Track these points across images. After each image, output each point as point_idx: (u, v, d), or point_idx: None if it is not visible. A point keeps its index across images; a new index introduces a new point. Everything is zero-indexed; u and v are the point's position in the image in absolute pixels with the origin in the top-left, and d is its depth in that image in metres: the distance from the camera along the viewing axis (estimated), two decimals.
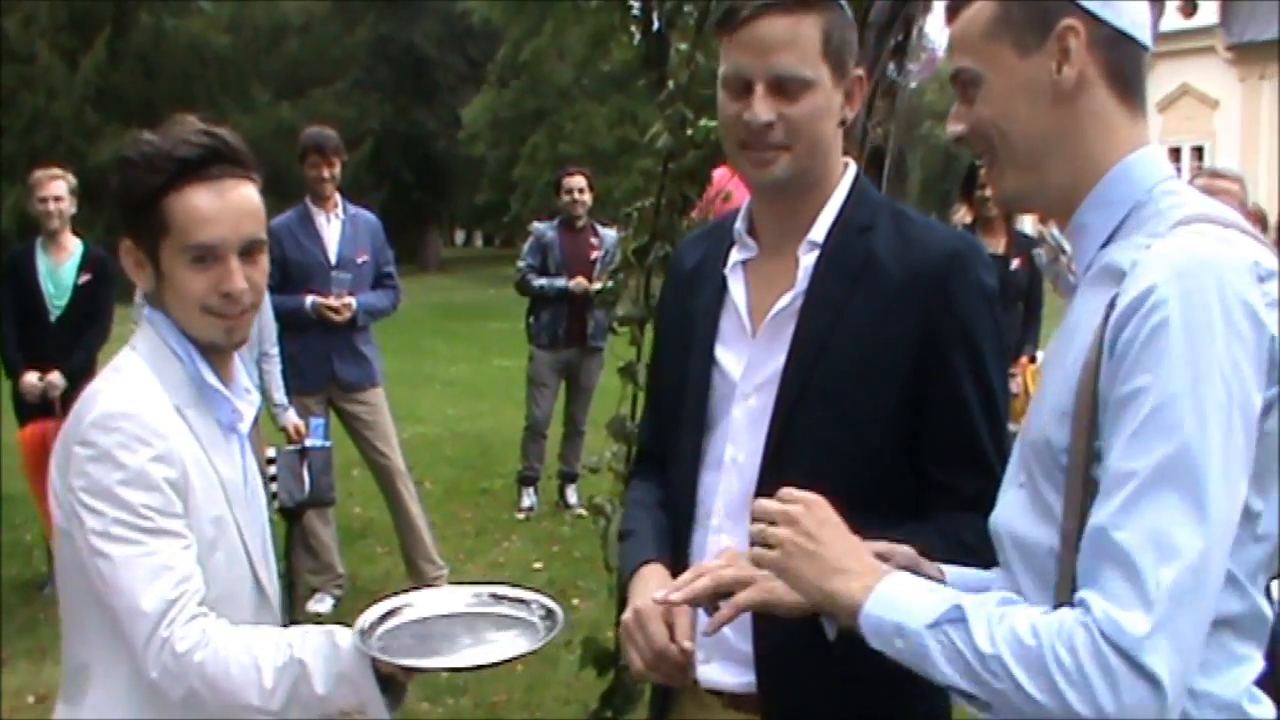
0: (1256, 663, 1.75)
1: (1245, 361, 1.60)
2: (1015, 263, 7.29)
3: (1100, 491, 1.64)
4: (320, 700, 2.24)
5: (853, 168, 2.43)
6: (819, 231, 2.35)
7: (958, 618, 1.68)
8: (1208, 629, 1.60)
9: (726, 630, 2.26)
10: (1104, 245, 1.81)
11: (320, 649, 2.25)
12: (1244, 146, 34.40)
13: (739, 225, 2.45)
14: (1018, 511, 1.86)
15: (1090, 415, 1.68)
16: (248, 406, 2.50)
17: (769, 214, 2.42)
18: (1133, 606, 1.55)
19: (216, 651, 2.21)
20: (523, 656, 2.30)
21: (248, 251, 2.35)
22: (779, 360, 2.32)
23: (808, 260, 2.34)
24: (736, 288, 2.42)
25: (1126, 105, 1.84)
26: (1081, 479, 1.69)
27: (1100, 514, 1.62)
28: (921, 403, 2.29)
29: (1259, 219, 8.36)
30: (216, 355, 2.42)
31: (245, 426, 2.49)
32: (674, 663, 2.22)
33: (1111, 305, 1.67)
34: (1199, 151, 35.54)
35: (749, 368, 2.36)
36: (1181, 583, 1.55)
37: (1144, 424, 1.59)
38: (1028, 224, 9.09)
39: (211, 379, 2.40)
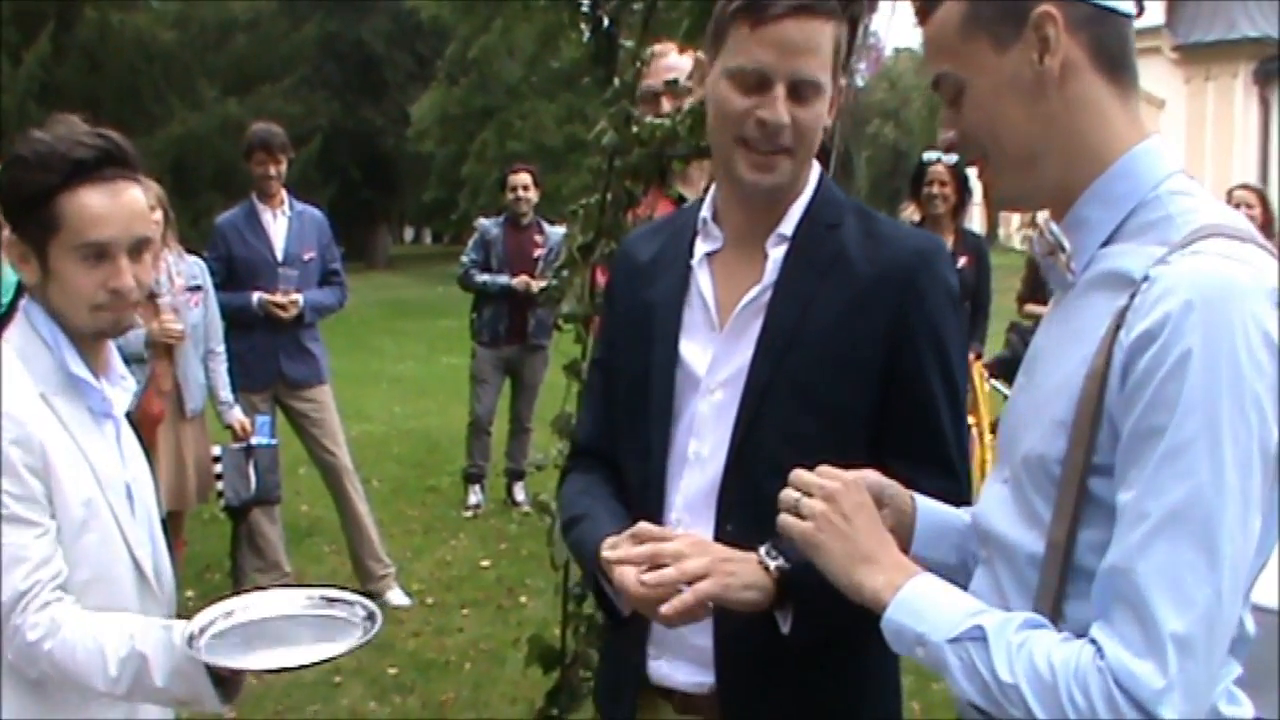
0: (1235, 667, 1.75)
1: (1266, 396, 1.58)
2: (962, 261, 7.32)
3: (1118, 524, 1.62)
4: (159, 691, 2.35)
5: (818, 166, 2.43)
6: (788, 226, 2.34)
7: (979, 637, 1.69)
8: (1220, 668, 1.62)
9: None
10: (1105, 244, 1.77)
11: (159, 643, 2.35)
12: (1189, 147, 34.70)
13: (704, 214, 2.43)
14: (1000, 510, 1.85)
15: (1091, 429, 1.66)
16: (120, 394, 2.63)
17: (739, 209, 2.40)
18: (1145, 656, 1.56)
19: (65, 640, 2.33)
20: (330, 660, 2.38)
21: (136, 250, 2.47)
22: (746, 354, 2.31)
23: (777, 253, 2.33)
24: (703, 279, 2.40)
25: (1118, 85, 1.79)
26: (1075, 490, 1.68)
27: (1116, 551, 1.61)
28: (888, 398, 2.29)
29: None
30: (89, 346, 2.54)
31: (120, 411, 2.62)
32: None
33: (1122, 318, 1.64)
34: None
35: (715, 361, 2.34)
36: (1194, 634, 1.55)
37: (1161, 463, 1.57)
38: (975, 222, 9.14)
39: (78, 369, 2.49)
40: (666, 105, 3.67)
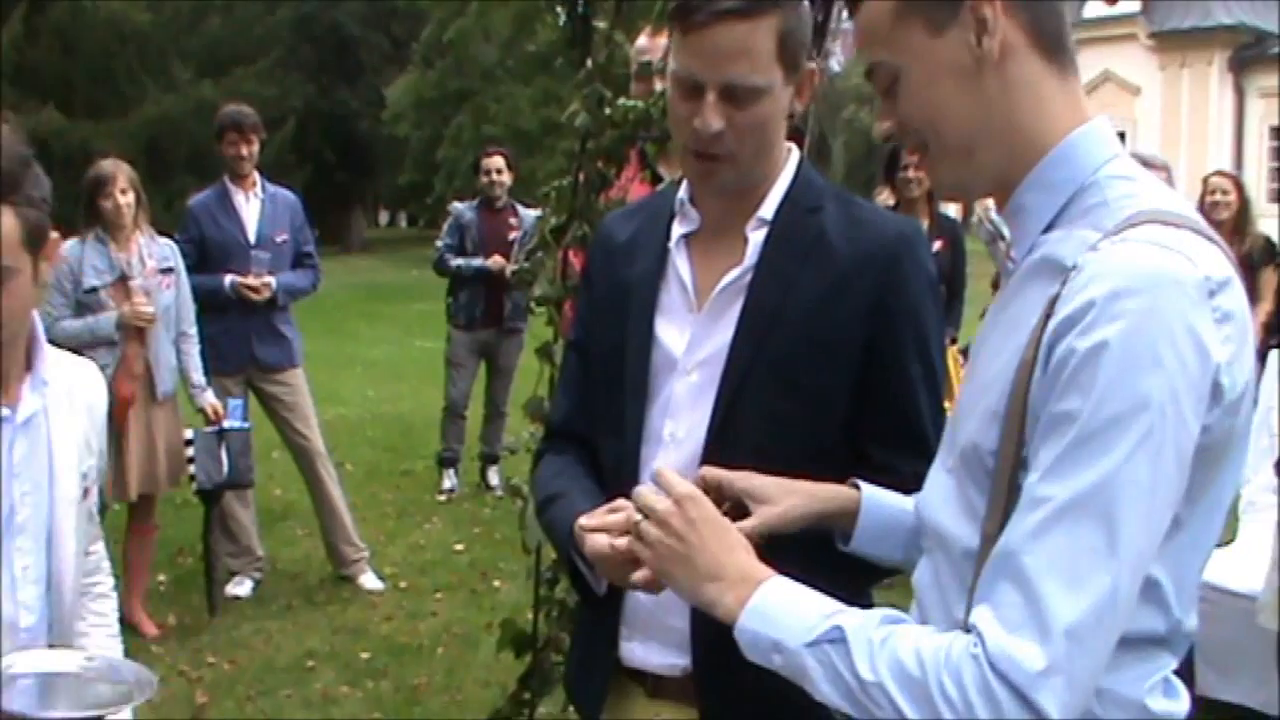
0: (1167, 662, 1.70)
1: (1185, 392, 1.51)
2: (937, 245, 7.30)
3: (1016, 509, 1.57)
4: None
5: (796, 152, 2.40)
6: (768, 209, 2.32)
7: (837, 638, 1.63)
8: (1105, 663, 1.54)
9: (655, 606, 2.25)
10: (1046, 230, 1.71)
11: None
12: (1164, 133, 34.88)
13: (682, 195, 2.40)
14: (941, 500, 1.80)
15: (1020, 421, 1.60)
16: (36, 399, 2.52)
17: (714, 196, 2.38)
18: (1029, 637, 1.49)
19: None
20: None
21: None
22: (724, 335, 2.29)
23: (757, 237, 2.31)
24: (681, 261, 2.38)
25: (1057, 67, 1.73)
26: (1007, 484, 1.62)
27: (1011, 534, 1.55)
28: (866, 381, 2.27)
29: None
30: None
31: (20, 417, 2.48)
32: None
33: (1052, 306, 1.58)
34: (1121, 137, 35.72)
35: (692, 343, 2.33)
36: (1084, 622, 1.48)
37: (1069, 449, 1.51)
38: (951, 206, 9.15)
39: None
40: (659, 85, 3.64)
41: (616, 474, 2.39)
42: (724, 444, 2.25)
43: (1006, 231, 1.78)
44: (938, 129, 1.74)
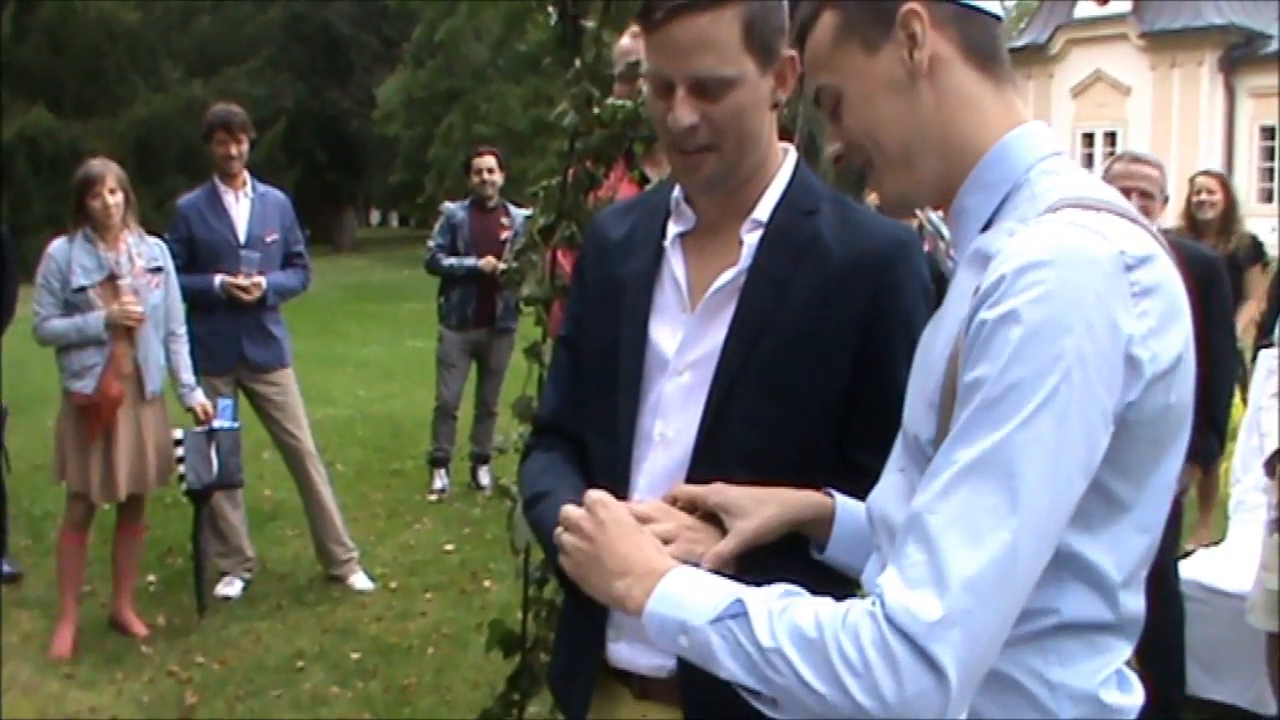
0: (1119, 654, 1.71)
1: (1093, 359, 1.53)
2: (925, 246, 7.30)
3: (924, 476, 1.59)
4: None
5: (794, 153, 2.39)
6: (763, 211, 2.30)
7: (739, 612, 1.64)
8: (1008, 627, 1.55)
9: None
10: (983, 230, 1.77)
11: None
12: (1154, 133, 34.95)
13: (677, 194, 2.39)
14: (892, 496, 1.83)
15: (951, 410, 1.62)
16: None
17: (708, 195, 2.37)
18: (926, 589, 1.50)
19: None
20: None
21: None
22: (717, 337, 2.27)
23: (751, 238, 2.29)
24: (675, 261, 2.36)
25: (990, 78, 1.78)
26: None
27: (918, 497, 1.57)
28: (856, 387, 2.26)
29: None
30: None
31: None
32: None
33: (976, 293, 1.61)
34: (1111, 137, 36.10)
35: (684, 343, 2.31)
36: (983, 575, 1.49)
37: (975, 414, 1.54)
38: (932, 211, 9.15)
39: None
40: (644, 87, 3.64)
41: (609, 474, 2.37)
42: (713, 447, 2.24)
43: (946, 232, 1.81)
44: (878, 141, 1.79)
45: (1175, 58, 35.54)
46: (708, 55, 2.15)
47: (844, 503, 2.09)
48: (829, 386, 2.25)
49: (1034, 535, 1.52)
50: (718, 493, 2.07)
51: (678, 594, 1.74)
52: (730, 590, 1.69)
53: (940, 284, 2.19)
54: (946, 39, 1.76)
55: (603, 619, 2.37)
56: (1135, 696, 1.74)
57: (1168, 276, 1.63)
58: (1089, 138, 36.51)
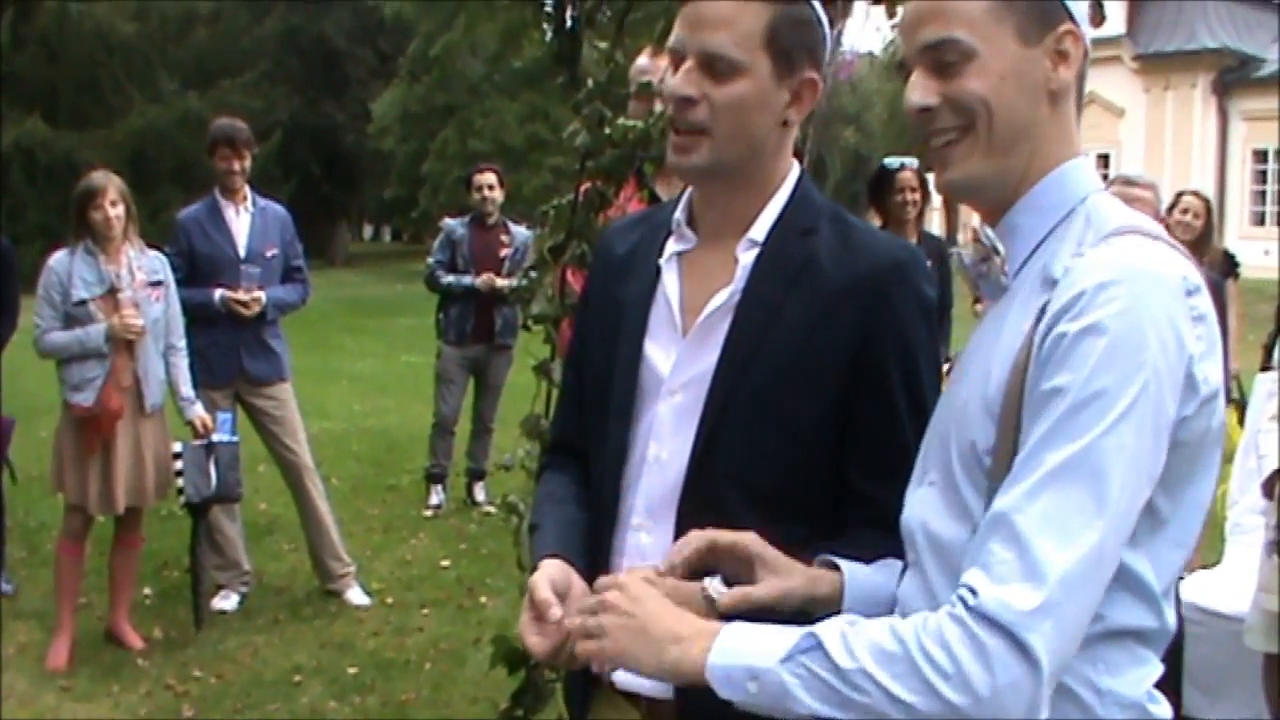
0: (1157, 667, 1.77)
1: (1165, 374, 1.61)
2: (928, 263, 7.30)
3: (1009, 477, 1.63)
4: None
5: (797, 169, 2.37)
6: (759, 230, 2.29)
7: (812, 645, 1.65)
8: (1087, 624, 1.60)
9: None
10: (1034, 250, 1.82)
11: None
12: (1148, 155, 35.04)
13: (678, 215, 2.38)
14: (931, 509, 1.84)
15: (1015, 418, 1.67)
16: None
17: (706, 206, 2.36)
18: (1018, 583, 1.54)
19: None
20: None
21: None
22: (709, 358, 2.26)
23: (746, 259, 2.28)
24: (670, 281, 2.35)
25: (1077, 116, 1.87)
26: (1002, 480, 1.67)
27: (1002, 499, 1.61)
28: (852, 412, 2.24)
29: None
30: None
31: None
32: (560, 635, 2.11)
33: (1043, 311, 1.68)
34: (1105, 159, 36.17)
35: (677, 365, 2.30)
36: (1074, 570, 1.54)
37: (1060, 420, 1.59)
38: (935, 226, 9.18)
39: None
40: (658, 106, 3.64)
41: (602, 494, 2.39)
42: (705, 471, 2.24)
43: (1001, 248, 1.85)
44: (993, 117, 1.80)
45: (1169, 80, 35.66)
46: (723, 33, 2.17)
47: (850, 573, 2.06)
48: (821, 412, 2.23)
49: (1116, 536, 1.60)
50: (758, 544, 2.07)
51: (738, 645, 1.74)
52: (796, 630, 1.70)
53: (940, 296, 2.20)
54: (1075, 70, 1.83)
55: None
56: (1167, 710, 1.79)
57: (1211, 308, 1.71)
58: None
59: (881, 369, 2.22)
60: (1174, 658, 5.22)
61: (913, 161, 7.45)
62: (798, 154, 2.59)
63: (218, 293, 7.09)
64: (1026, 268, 1.82)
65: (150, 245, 6.63)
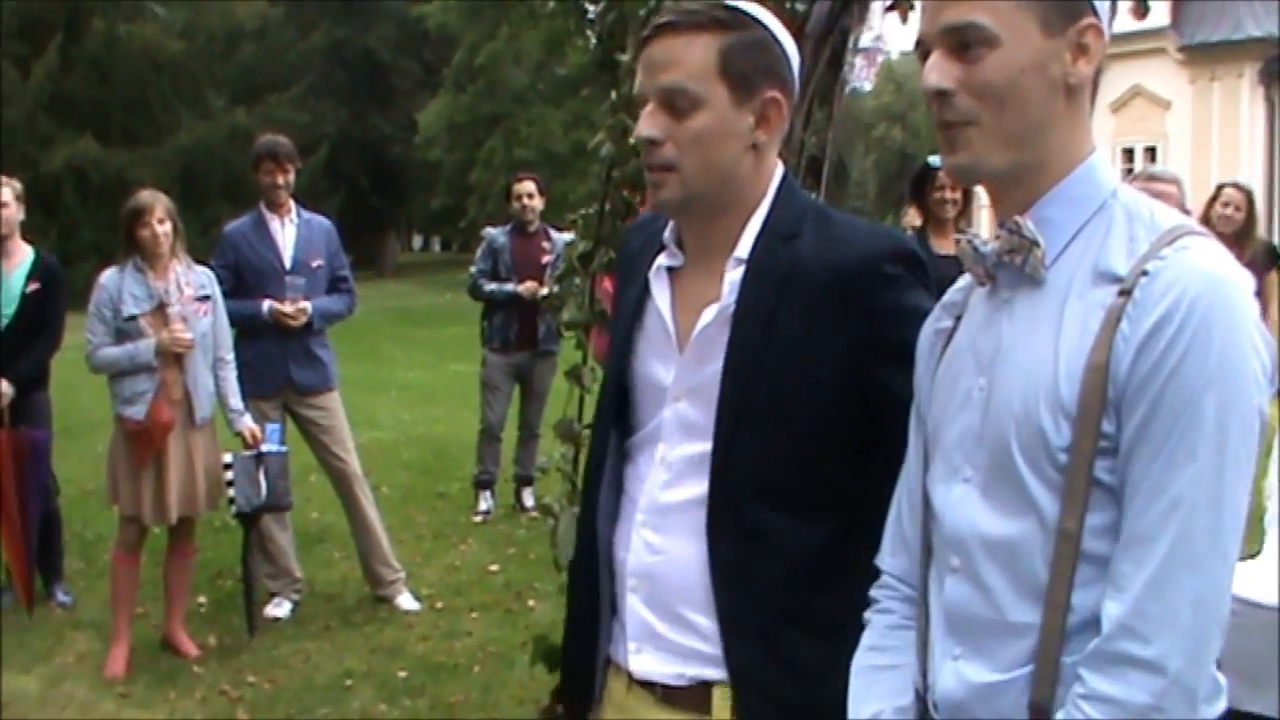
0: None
1: (1260, 377, 1.70)
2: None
3: (1134, 499, 1.70)
4: None
5: (778, 175, 2.39)
6: (744, 248, 2.32)
7: None
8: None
9: (655, 620, 2.34)
10: (1068, 243, 1.83)
11: None
12: (1195, 148, 34.67)
13: (668, 235, 2.43)
14: (978, 509, 1.87)
15: (1096, 418, 1.72)
16: None
17: (689, 232, 2.41)
18: (1156, 604, 1.66)
19: None
20: None
21: None
22: (710, 368, 2.30)
23: (734, 276, 2.31)
24: (661, 295, 2.40)
25: (1091, 110, 1.90)
26: (1085, 478, 1.73)
27: (1136, 523, 1.70)
28: (864, 411, 2.27)
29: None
30: None
31: None
32: None
33: (1121, 312, 1.72)
34: (1152, 152, 35.85)
35: (678, 376, 2.35)
36: (1206, 594, 1.67)
37: (1180, 439, 1.67)
38: (983, 226, 9.16)
39: None
40: None
41: (607, 493, 2.48)
42: (726, 484, 2.28)
43: (1042, 240, 1.84)
44: (1008, 107, 1.82)
45: (1215, 71, 35.28)
46: (677, 71, 2.23)
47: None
48: (830, 413, 2.26)
49: (1235, 547, 1.70)
50: None
51: None
52: None
53: (940, 284, 2.21)
54: (1094, 64, 1.85)
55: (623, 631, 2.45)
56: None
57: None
58: (1129, 153, 36.25)
59: (877, 363, 2.25)
60: None
61: None
62: (817, 161, 2.65)
63: (265, 304, 7.21)
64: (1062, 260, 1.83)
65: (197, 261, 6.75)
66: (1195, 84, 35.82)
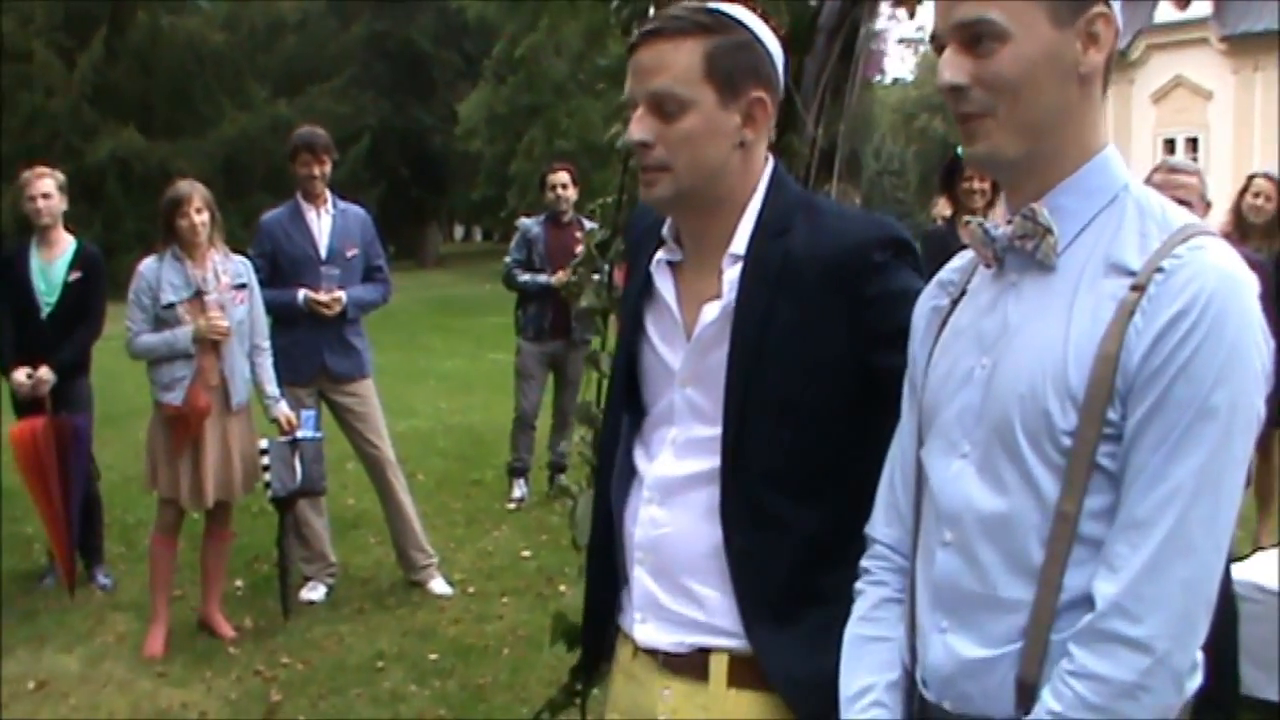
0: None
1: (1260, 377, 1.77)
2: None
3: (1135, 484, 1.76)
4: None
5: (768, 171, 2.45)
6: (739, 244, 2.37)
7: None
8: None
9: (659, 591, 2.42)
10: (1079, 232, 1.87)
11: None
12: (1237, 138, 34.41)
13: (666, 231, 2.49)
14: (974, 485, 1.91)
15: (1102, 406, 1.77)
16: None
17: (684, 228, 2.47)
18: (1148, 586, 1.73)
19: None
20: None
21: None
22: (715, 356, 2.36)
23: (731, 273, 2.37)
24: (665, 286, 2.47)
25: (1103, 98, 1.93)
26: (1087, 463, 1.78)
27: (1135, 508, 1.76)
28: (867, 398, 2.33)
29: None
30: None
31: None
32: None
33: (1135, 305, 1.77)
34: (1194, 143, 35.61)
35: (685, 361, 2.42)
36: (1197, 577, 1.75)
37: (1188, 430, 1.73)
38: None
39: None
40: None
41: (618, 471, 2.57)
42: (740, 479, 2.34)
43: (1056, 229, 1.88)
44: (1022, 99, 1.86)
45: (1257, 61, 34.97)
46: (664, 75, 2.29)
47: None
48: (837, 404, 2.33)
49: (1229, 535, 1.79)
50: None
51: None
52: None
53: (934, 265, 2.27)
54: (1106, 52, 1.88)
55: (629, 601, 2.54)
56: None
57: None
58: (1170, 144, 36.04)
59: (875, 350, 2.31)
60: (1230, 636, 5.29)
61: None
62: (829, 155, 2.70)
63: (301, 293, 7.32)
64: (1074, 249, 1.88)
65: (237, 249, 6.87)
66: (1238, 74, 35.52)
